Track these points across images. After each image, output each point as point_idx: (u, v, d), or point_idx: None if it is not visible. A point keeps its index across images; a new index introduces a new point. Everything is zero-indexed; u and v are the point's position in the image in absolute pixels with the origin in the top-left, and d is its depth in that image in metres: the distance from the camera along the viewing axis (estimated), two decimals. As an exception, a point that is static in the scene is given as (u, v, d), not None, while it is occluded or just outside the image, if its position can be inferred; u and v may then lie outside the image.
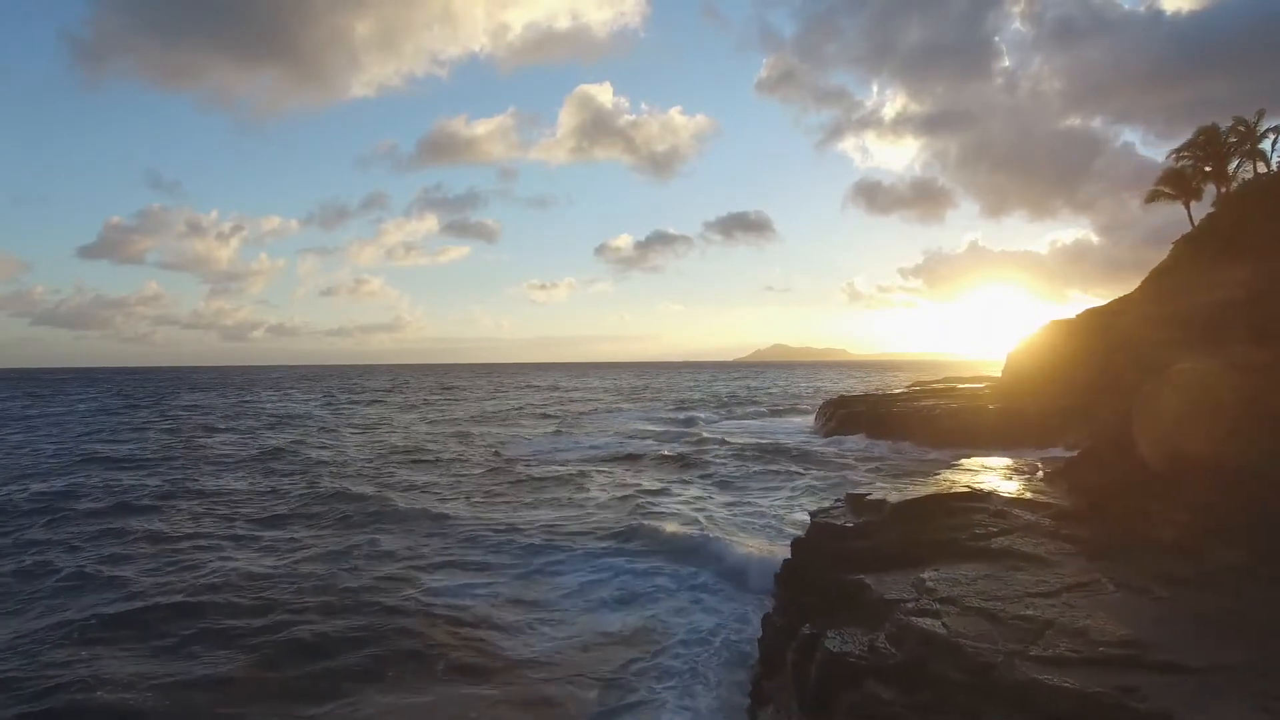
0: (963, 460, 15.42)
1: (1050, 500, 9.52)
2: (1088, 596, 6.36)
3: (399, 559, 14.37)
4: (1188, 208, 38.89)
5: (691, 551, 14.47)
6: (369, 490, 21.22)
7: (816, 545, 10.19)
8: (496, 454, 30.09)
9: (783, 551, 12.21)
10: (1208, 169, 35.45)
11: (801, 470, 23.37)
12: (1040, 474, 12.70)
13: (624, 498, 20.37)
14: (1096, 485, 9.29)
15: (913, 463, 23.92)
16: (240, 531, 16.65)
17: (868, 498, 10.90)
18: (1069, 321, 34.71)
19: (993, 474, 13.16)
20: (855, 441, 31.56)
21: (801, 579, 9.56)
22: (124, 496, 20.52)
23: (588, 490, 21.74)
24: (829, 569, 8.93)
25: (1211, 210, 35.04)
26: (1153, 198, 40.16)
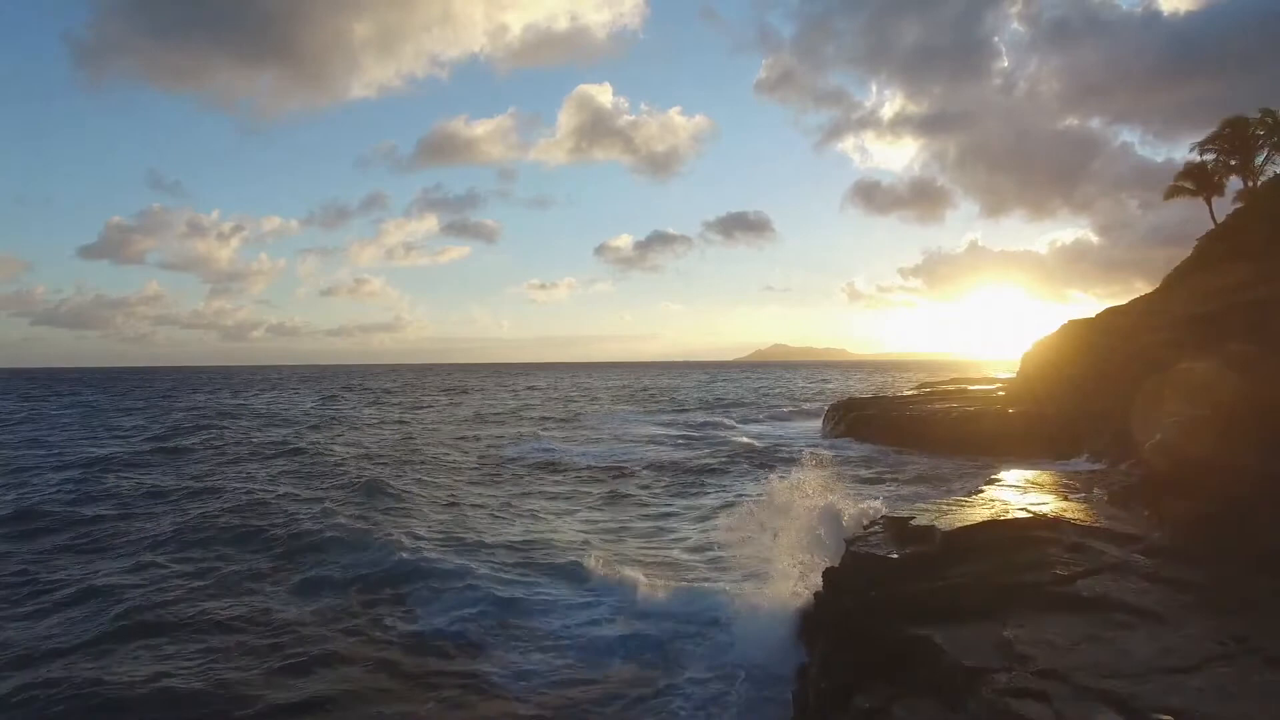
0: (1000, 473, 13.87)
1: (1134, 531, 8.08)
2: (1240, 674, 4.94)
3: (372, 580, 12.91)
4: (1209, 203, 37.52)
5: (697, 576, 13.02)
6: (345, 500, 19.77)
7: (856, 581, 8.76)
8: (488, 461, 28.58)
9: (811, 581, 10.80)
10: (1233, 162, 34.09)
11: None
12: (1100, 493, 11.26)
13: (621, 514, 18.93)
14: (1191, 513, 7.86)
15: (936, 473, 22.43)
16: (195, 553, 15.12)
17: (911, 522, 9.47)
18: (1087, 321, 33.36)
19: (1042, 491, 11.73)
20: (868, 448, 30.12)
21: (842, 623, 8.12)
22: (83, 509, 19.06)
23: (583, 505, 20.31)
24: (877, 614, 7.51)
25: (1238, 205, 33.72)
26: (1172, 194, 38.78)
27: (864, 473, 23.04)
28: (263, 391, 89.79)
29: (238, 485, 22.20)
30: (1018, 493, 11.67)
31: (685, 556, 14.73)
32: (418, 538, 15.58)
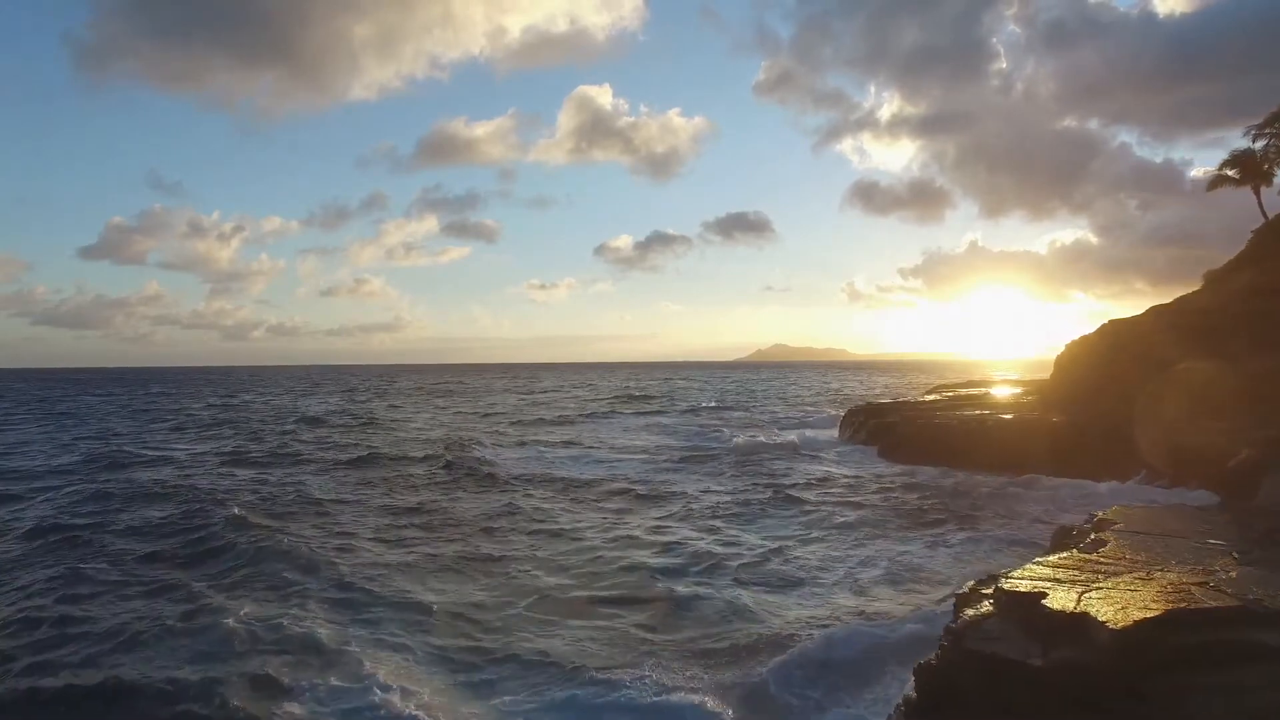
0: (1104, 508, 11.05)
1: None
2: None
3: (288, 633, 9.86)
4: (1257, 193, 34.85)
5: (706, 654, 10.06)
6: (293, 518, 16.82)
7: (978, 698, 5.96)
8: (466, 472, 25.04)
9: (890, 660, 8.03)
10: (1291, 148, 31.30)
11: (851, 512, 18.20)
12: (1268, 551, 8.44)
13: (617, 539, 15.70)
14: None
15: (988, 496, 19.14)
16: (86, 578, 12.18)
17: (1044, 603, 6.66)
18: (1129, 321, 30.65)
19: (1191, 544, 8.84)
20: (895, 465, 27.08)
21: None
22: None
23: (574, 534, 17.08)
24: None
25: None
26: (1216, 184, 36.09)
27: (913, 501, 19.50)
28: (253, 391, 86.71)
29: (164, 503, 19.09)
30: (1149, 545, 8.83)
31: (702, 613, 11.64)
32: (362, 579, 12.61)
